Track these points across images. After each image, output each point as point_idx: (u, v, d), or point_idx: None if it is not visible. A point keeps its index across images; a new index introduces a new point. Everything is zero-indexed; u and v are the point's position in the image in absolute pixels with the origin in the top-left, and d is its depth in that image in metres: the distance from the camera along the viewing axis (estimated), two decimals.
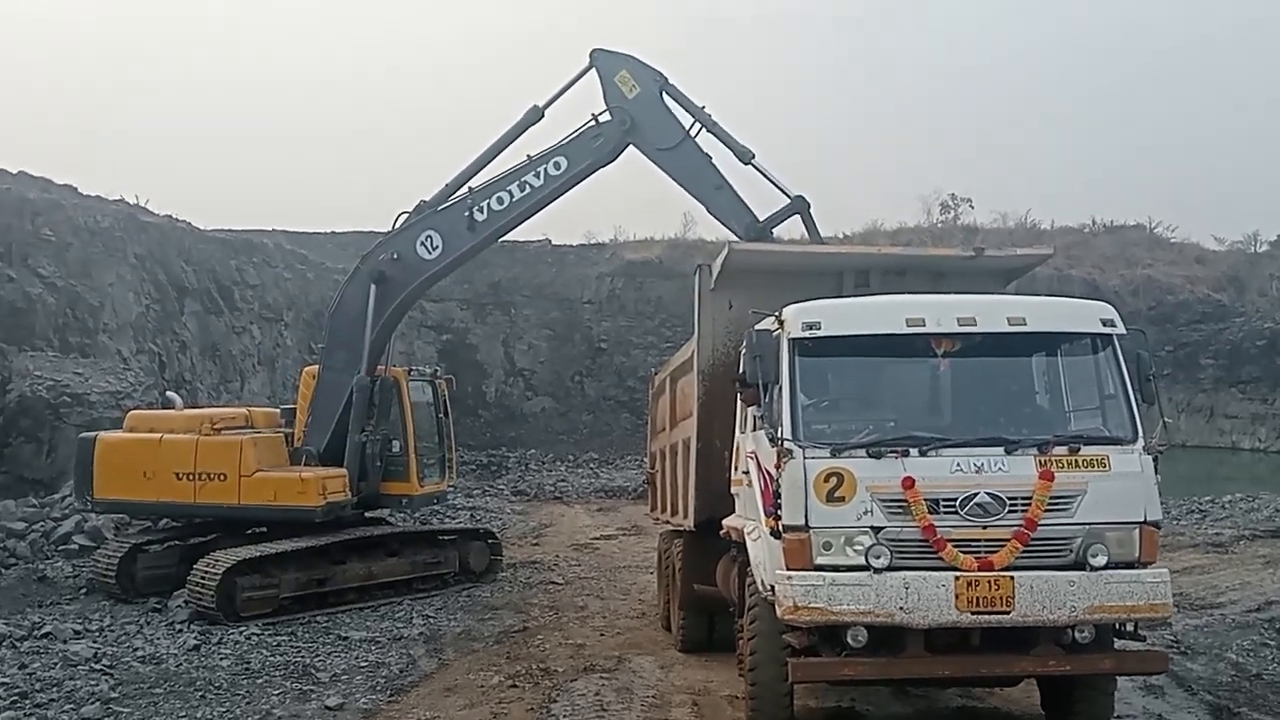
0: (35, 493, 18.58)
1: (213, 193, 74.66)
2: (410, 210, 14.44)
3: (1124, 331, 7.68)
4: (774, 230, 13.43)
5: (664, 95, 13.75)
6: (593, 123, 13.83)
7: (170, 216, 29.77)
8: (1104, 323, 7.67)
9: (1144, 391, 7.49)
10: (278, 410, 15.51)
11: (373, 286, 14.38)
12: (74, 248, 23.19)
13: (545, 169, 13.90)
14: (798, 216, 13.33)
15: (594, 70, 13.88)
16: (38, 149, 69.64)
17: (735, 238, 13.12)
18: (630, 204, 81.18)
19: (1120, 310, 7.93)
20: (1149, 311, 35.67)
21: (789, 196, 13.23)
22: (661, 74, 13.81)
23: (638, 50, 13.98)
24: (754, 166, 13.44)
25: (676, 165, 13.68)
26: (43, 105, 78.27)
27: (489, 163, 14.26)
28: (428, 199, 14.39)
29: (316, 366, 15.25)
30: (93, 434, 15.01)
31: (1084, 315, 7.82)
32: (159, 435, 14.26)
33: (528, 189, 13.99)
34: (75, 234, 23.41)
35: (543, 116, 14.09)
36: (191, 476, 13.80)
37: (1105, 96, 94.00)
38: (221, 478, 13.71)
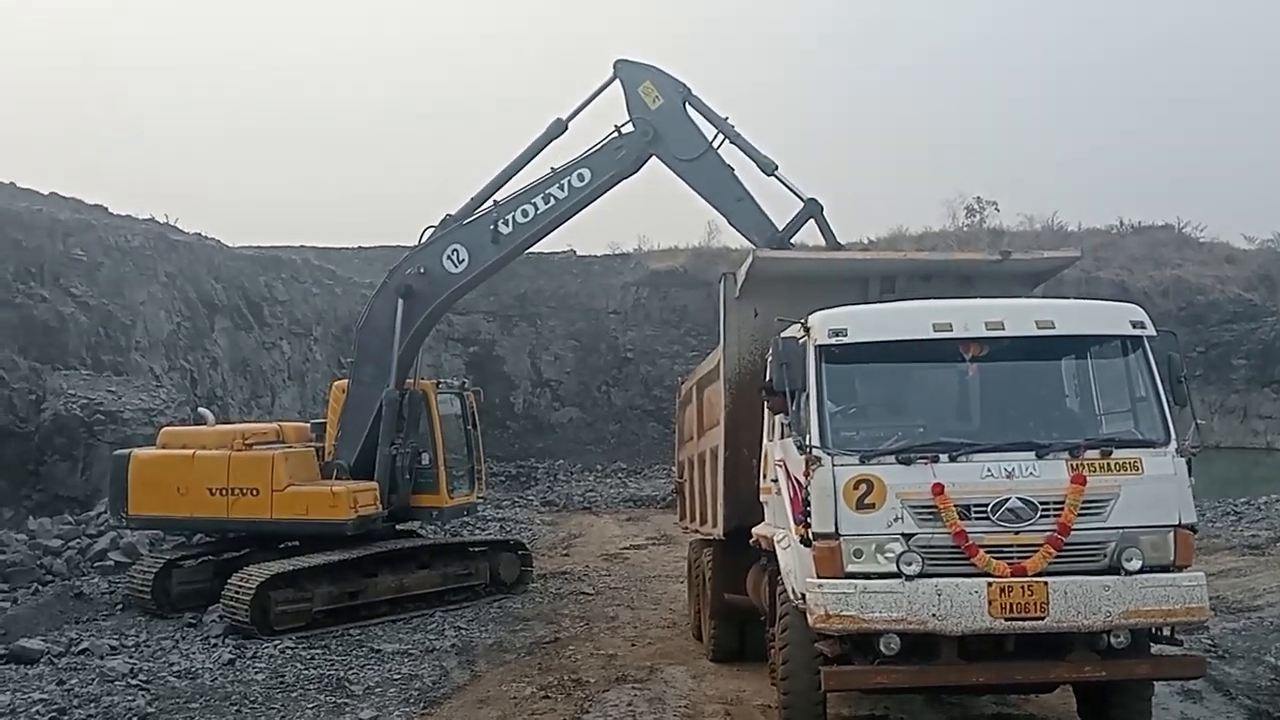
0: (71, 510, 18.79)
1: (241, 211, 75.44)
2: (436, 225, 14.56)
3: (1154, 333, 7.62)
4: (795, 238, 13.42)
5: (687, 106, 13.79)
6: (616, 134, 13.93)
7: (199, 234, 30.14)
8: (1134, 324, 7.62)
9: (1176, 393, 7.44)
10: (308, 425, 15.62)
11: (400, 301, 14.50)
12: (105, 267, 23.47)
13: (569, 181, 13.99)
14: (814, 222, 13.27)
15: (618, 81, 13.94)
16: (67, 170, 70.50)
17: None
18: (654, 213, 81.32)
19: (1150, 311, 7.87)
20: (1179, 312, 35.28)
21: (802, 200, 13.21)
22: (685, 85, 13.83)
23: (652, 54, 14.06)
24: (777, 178, 13.43)
25: (699, 176, 13.72)
26: (70, 126, 79.30)
27: (513, 176, 14.37)
28: (453, 213, 14.49)
29: (346, 381, 15.36)
30: (127, 451, 15.16)
31: (1114, 317, 7.76)
32: (192, 451, 14.38)
33: (552, 201, 14.09)
34: (106, 253, 23.70)
35: (566, 129, 14.19)
36: (225, 492, 13.93)
37: (1132, 96, 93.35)
38: (254, 493, 13.83)
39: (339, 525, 13.70)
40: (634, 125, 13.85)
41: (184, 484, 14.10)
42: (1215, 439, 30.82)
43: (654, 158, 13.94)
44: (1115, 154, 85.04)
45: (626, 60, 13.96)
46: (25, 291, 21.15)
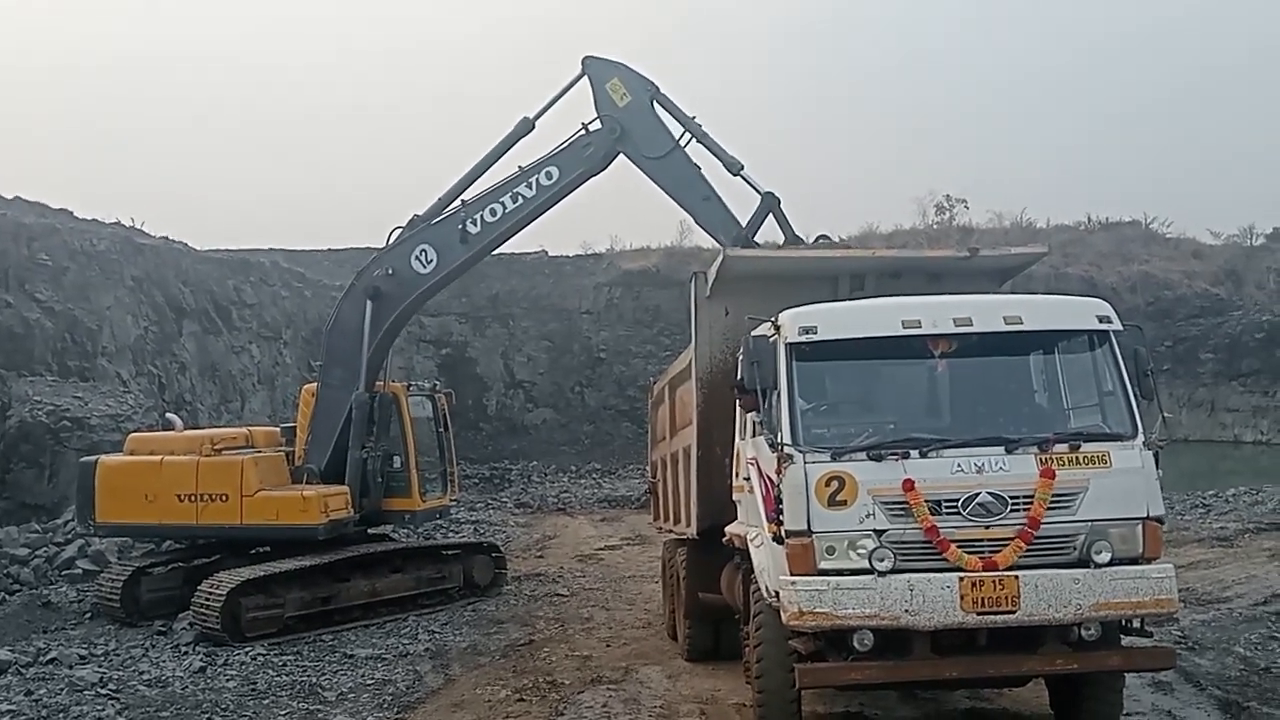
0: (38, 518, 18.55)
1: (208, 213, 74.82)
2: (404, 225, 14.49)
3: (1121, 328, 7.69)
4: (758, 235, 13.42)
5: (655, 104, 13.78)
6: (583, 131, 13.92)
7: (166, 238, 29.83)
8: (1100, 319, 7.68)
9: (1143, 387, 7.50)
10: (278, 429, 15.49)
11: (369, 302, 14.42)
12: (71, 271, 23.20)
13: (537, 179, 13.97)
14: (773, 216, 13.28)
15: (586, 78, 13.93)
16: (31, 172, 69.72)
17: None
18: (626, 213, 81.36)
19: (1118, 307, 7.95)
20: (1147, 307, 35.66)
21: (760, 195, 13.22)
22: (653, 83, 13.82)
23: (620, 51, 14.06)
24: (743, 178, 13.47)
25: (666, 174, 13.73)
26: (35, 129, 78.40)
27: (481, 175, 14.34)
28: (421, 214, 14.43)
29: (316, 384, 15.22)
30: (93, 458, 14.97)
31: (1080, 313, 7.83)
32: (159, 457, 14.25)
33: (520, 200, 14.06)
34: (72, 258, 23.43)
35: (533, 128, 14.16)
36: (194, 498, 13.81)
37: (1098, 93, 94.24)
38: (224, 498, 13.72)
39: (310, 530, 13.61)
40: (601, 122, 13.83)
41: (152, 490, 13.97)
42: (1183, 432, 31.16)
43: (622, 155, 13.92)
44: (1083, 151, 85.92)
45: (595, 57, 13.94)
46: None
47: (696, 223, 14.18)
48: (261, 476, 13.89)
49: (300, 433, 14.85)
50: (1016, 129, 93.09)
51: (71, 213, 28.82)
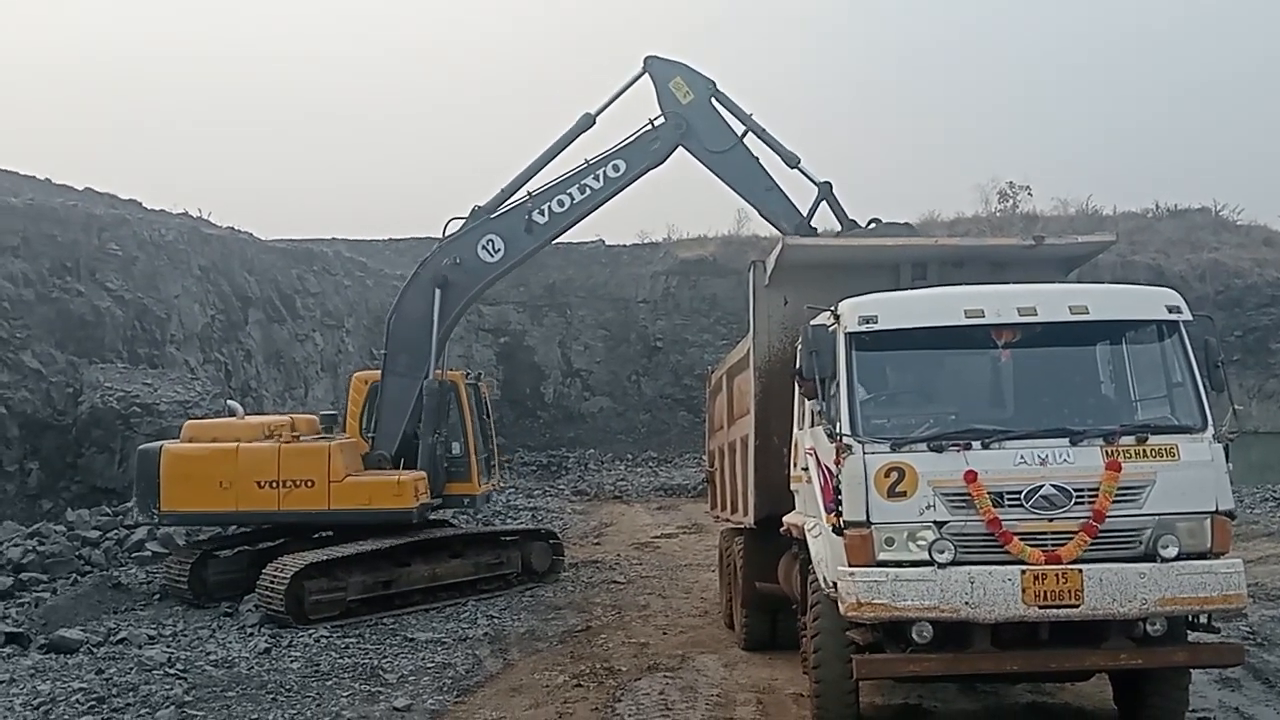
0: (108, 501, 19.04)
1: (273, 204, 76.00)
2: (465, 216, 14.76)
3: (1190, 317, 7.53)
4: (817, 223, 13.89)
5: (714, 101, 14.38)
6: (649, 127, 14.45)
7: (232, 228, 30.43)
8: (1170, 309, 7.53)
9: (1212, 378, 7.35)
10: (317, 416, 15.58)
11: (437, 291, 14.70)
12: (140, 261, 23.72)
13: (604, 171, 14.47)
14: (826, 203, 13.92)
15: (647, 76, 14.50)
16: (101, 164, 71.30)
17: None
18: (683, 202, 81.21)
19: (1186, 296, 7.78)
20: (1216, 296, 34.82)
21: (815, 184, 13.86)
22: (712, 81, 14.44)
23: (672, 43, 14.47)
24: (800, 170, 13.95)
25: (729, 168, 14.35)
26: (105, 121, 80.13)
27: (542, 169, 14.68)
28: (482, 205, 14.72)
29: (366, 373, 15.66)
30: (156, 445, 14.72)
31: (1149, 302, 7.67)
32: (235, 444, 14.25)
33: (587, 191, 14.56)
34: (141, 248, 23.95)
35: (594, 123, 14.64)
36: (275, 484, 13.87)
37: (1166, 76, 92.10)
38: (309, 484, 13.86)
39: (405, 514, 13.91)
40: (667, 119, 14.38)
41: (228, 477, 13.95)
42: (1253, 424, 30.39)
43: (682, 150, 14.34)
44: (1150, 136, 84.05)
45: (657, 57, 14.49)
46: (62, 286, 21.43)
47: (760, 213, 14.71)
48: (346, 463, 14.11)
49: (351, 420, 15.02)
50: (1080, 114, 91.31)
51: (140, 203, 29.54)
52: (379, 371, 15.36)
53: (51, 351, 20.92)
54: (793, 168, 14.13)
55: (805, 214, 13.84)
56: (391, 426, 14.72)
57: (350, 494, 13.87)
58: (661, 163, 14.53)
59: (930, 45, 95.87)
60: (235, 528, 15.28)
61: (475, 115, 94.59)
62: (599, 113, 14.57)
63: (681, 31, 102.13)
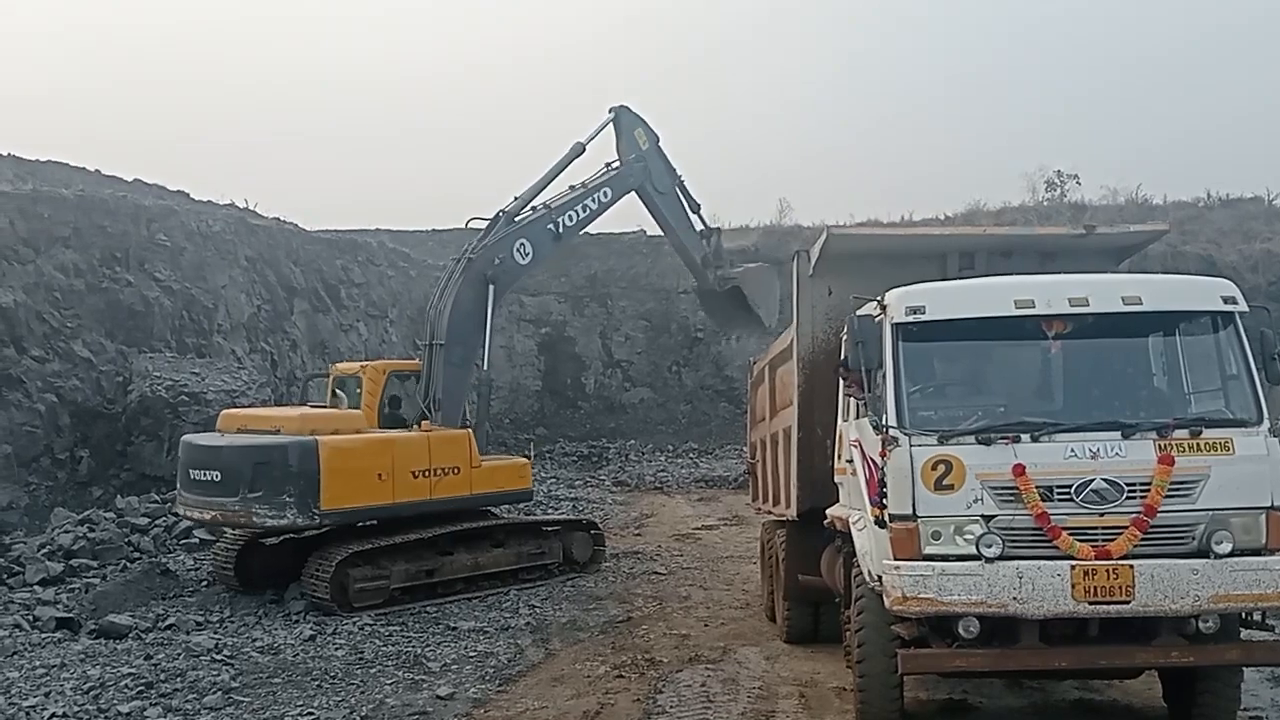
0: (157, 489, 19.28)
1: (317, 195, 76.67)
2: (489, 219, 15.95)
3: (1246, 308, 7.38)
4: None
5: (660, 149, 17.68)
6: (620, 164, 17.27)
7: (278, 219, 30.69)
8: (1225, 300, 7.37)
9: (1269, 371, 7.21)
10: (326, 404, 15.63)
11: (490, 287, 15.52)
12: (188, 252, 24.01)
13: (598, 196, 16.94)
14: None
15: (616, 122, 17.31)
16: (147, 154, 72.20)
17: (696, 269, 18.89)
18: (725, 192, 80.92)
19: (1239, 286, 7.61)
20: (1269, 287, 34.06)
21: (708, 227, 18.94)
22: (657, 135, 17.66)
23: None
24: (700, 216, 18.47)
25: (668, 206, 17.98)
26: (151, 113, 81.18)
27: (547, 186, 16.71)
28: (505, 210, 16.02)
29: (381, 362, 16.32)
30: (309, 439, 13.16)
31: (1204, 293, 7.52)
32: (391, 435, 14.17)
33: (588, 210, 16.85)
34: (189, 238, 24.23)
35: (585, 150, 17.01)
36: (427, 473, 13.94)
37: (1216, 61, 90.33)
38: (455, 471, 14.17)
39: (527, 493, 15.19)
40: (635, 159, 17.30)
41: (386, 469, 13.54)
42: None
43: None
44: (1200, 124, 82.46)
45: (626, 108, 17.51)
46: (111, 276, 21.73)
47: (680, 244, 18.57)
48: (480, 448, 14.67)
49: (368, 409, 14.98)
50: (1130, 101, 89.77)
51: (188, 195, 29.87)
52: (395, 361, 16.15)
53: (101, 341, 21.23)
54: (695, 212, 18.27)
55: (709, 249, 18.50)
56: (453, 416, 14.99)
57: (487, 478, 14.52)
58: (626, 195, 17.38)
59: (976, 37, 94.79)
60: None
61: (510, 112, 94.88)
62: (588, 142, 17.02)
63: (720, 27, 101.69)
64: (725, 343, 36.59)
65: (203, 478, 13.42)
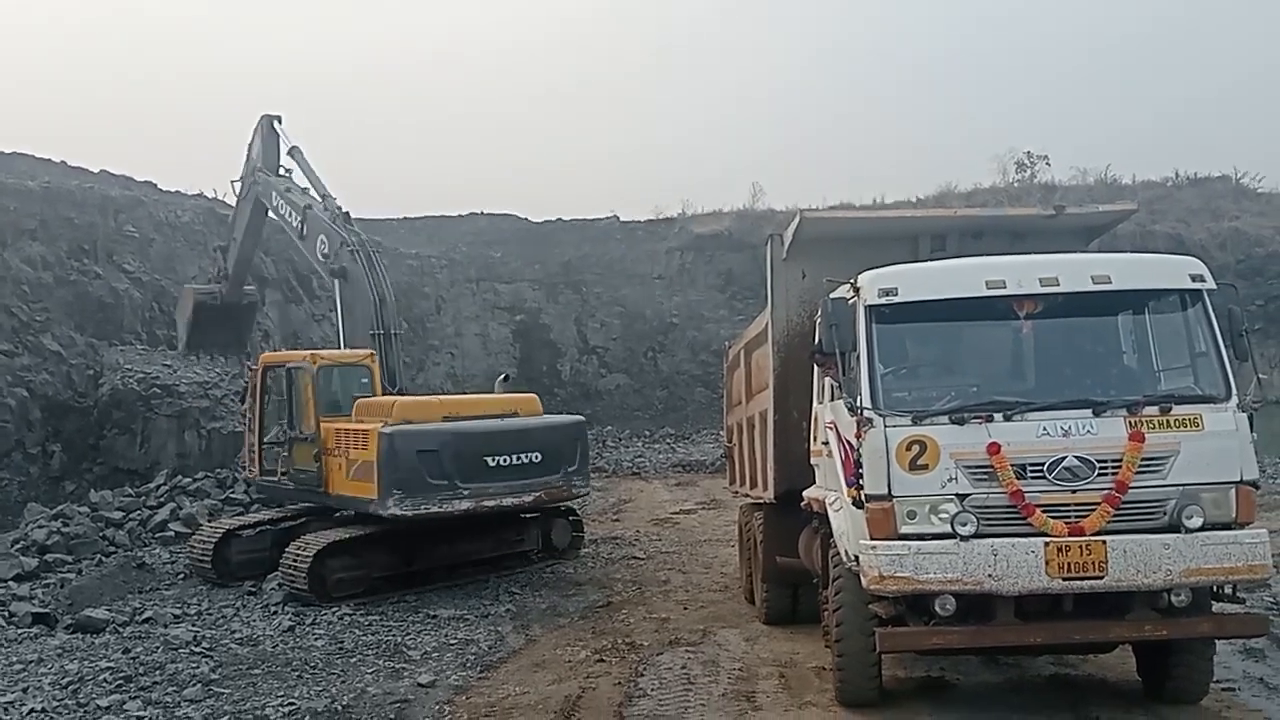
0: (131, 482, 19.16)
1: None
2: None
3: (1214, 286, 7.47)
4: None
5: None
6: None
7: None
8: (1193, 278, 7.46)
9: (1236, 348, 7.31)
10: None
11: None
12: (156, 243, 23.83)
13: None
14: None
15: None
16: (113, 145, 71.36)
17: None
18: (698, 177, 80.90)
19: (1208, 264, 7.70)
20: (1237, 265, 34.44)
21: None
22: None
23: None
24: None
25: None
26: (115, 100, 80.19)
27: None
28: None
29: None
30: (574, 418, 15.07)
31: (1172, 271, 7.61)
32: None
33: None
34: (157, 229, 24.05)
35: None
36: None
37: (1184, 43, 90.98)
38: None
39: None
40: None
41: None
42: (1276, 393, 30.16)
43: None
44: (1169, 105, 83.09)
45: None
46: (80, 269, 21.55)
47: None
48: None
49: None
50: (1098, 83, 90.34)
51: (156, 185, 29.57)
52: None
53: (71, 334, 21.06)
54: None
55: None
56: None
57: None
58: None
59: (947, 18, 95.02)
60: (257, 506, 15.35)
61: (484, 104, 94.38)
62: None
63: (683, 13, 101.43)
64: (700, 327, 36.69)
65: (518, 461, 13.33)
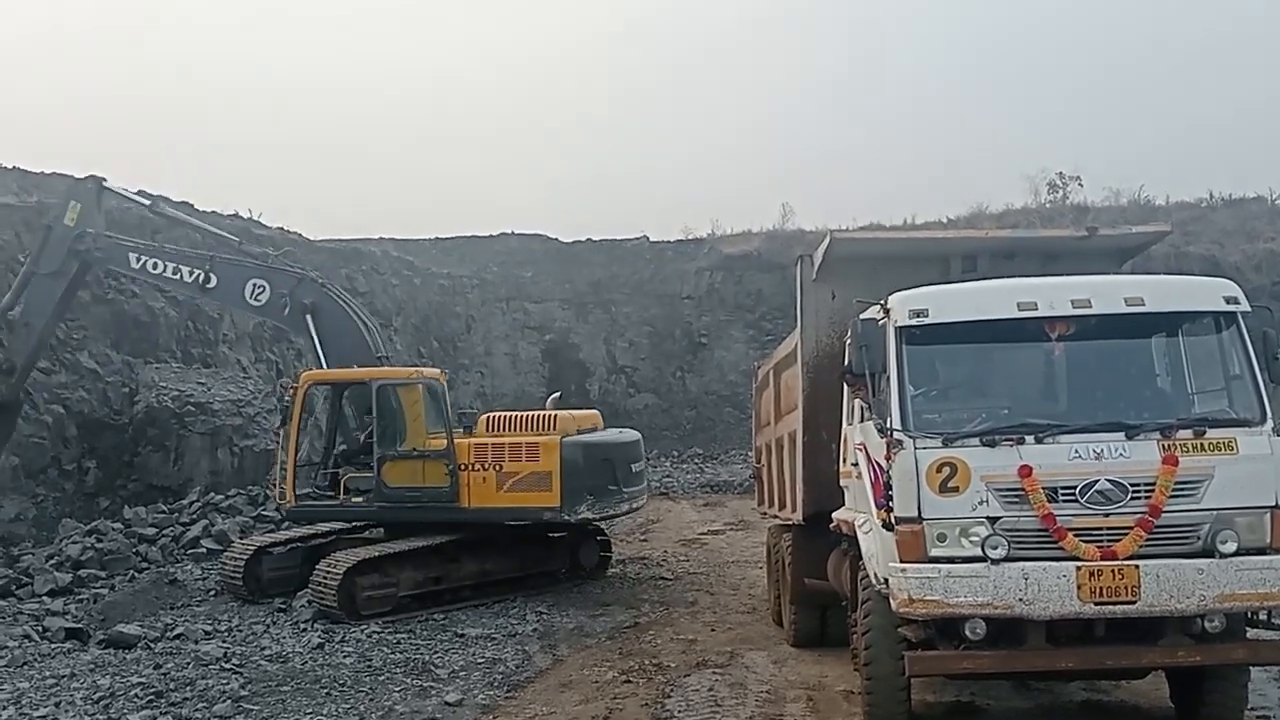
0: (164, 499, 19.36)
1: (321, 205, 76.76)
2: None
3: (1249, 309, 7.40)
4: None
5: None
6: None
7: (282, 229, 30.75)
8: (1228, 300, 7.40)
9: (1271, 371, 7.23)
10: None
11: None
12: None
13: None
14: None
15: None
16: (151, 164, 72.28)
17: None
18: (727, 198, 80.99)
19: (1242, 286, 7.67)
20: (1273, 287, 33.99)
21: None
22: None
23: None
24: None
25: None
26: (154, 121, 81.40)
27: None
28: None
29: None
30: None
31: (1206, 293, 7.55)
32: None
33: None
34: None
35: None
36: None
37: (1217, 60, 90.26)
38: None
39: None
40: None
41: None
42: None
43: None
44: (1202, 124, 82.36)
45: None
46: (117, 287, 21.81)
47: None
48: None
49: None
50: (1130, 102, 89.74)
51: (193, 205, 29.84)
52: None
53: (107, 352, 21.32)
54: None
55: None
56: None
57: None
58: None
59: (983, 40, 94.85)
60: (287, 524, 15.44)
61: (513, 120, 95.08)
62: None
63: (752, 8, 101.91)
64: (729, 348, 36.66)
65: (638, 469, 15.26)
